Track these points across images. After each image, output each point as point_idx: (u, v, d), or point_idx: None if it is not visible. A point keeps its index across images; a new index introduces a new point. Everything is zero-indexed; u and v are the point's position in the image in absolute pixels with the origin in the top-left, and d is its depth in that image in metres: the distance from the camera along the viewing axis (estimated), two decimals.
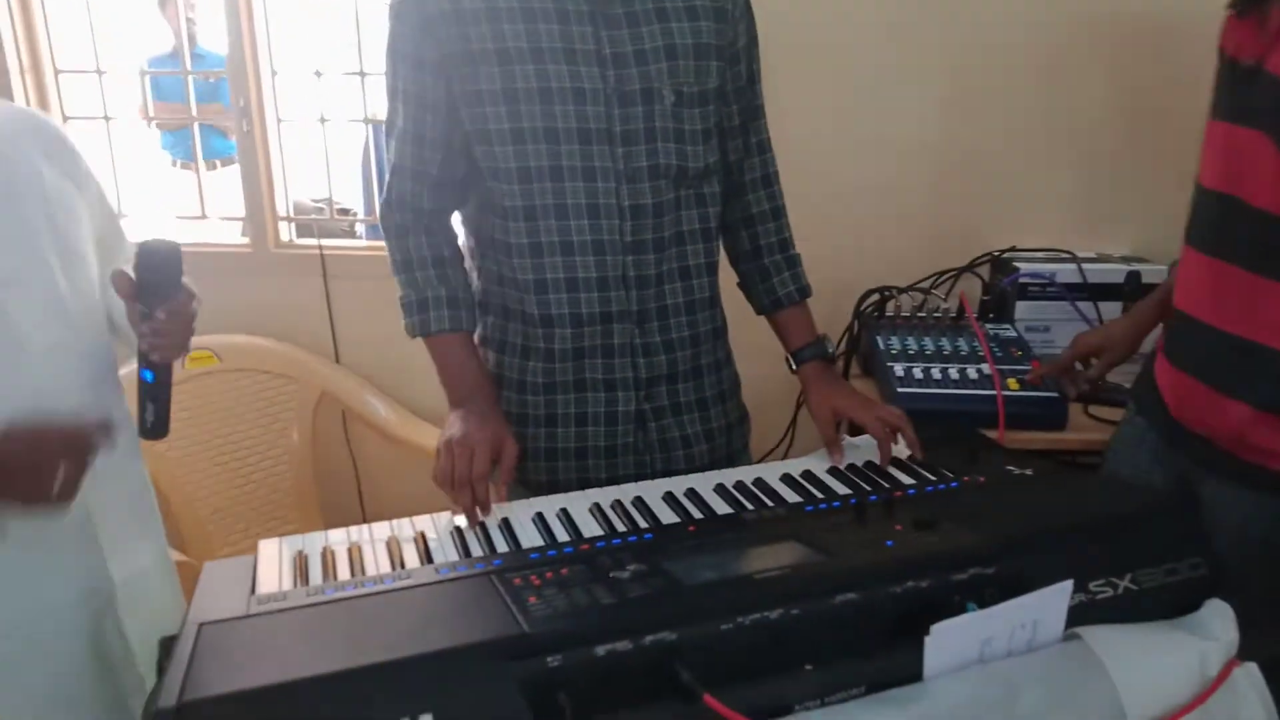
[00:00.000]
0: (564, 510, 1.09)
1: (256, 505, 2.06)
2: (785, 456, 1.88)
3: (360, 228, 2.34)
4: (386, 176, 1.25)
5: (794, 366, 1.36)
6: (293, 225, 2.19)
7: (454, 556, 0.99)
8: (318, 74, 2.12)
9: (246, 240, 2.16)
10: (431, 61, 1.16)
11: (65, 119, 2.13)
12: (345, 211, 2.55)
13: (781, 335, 1.37)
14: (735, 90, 1.28)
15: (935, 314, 1.74)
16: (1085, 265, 1.74)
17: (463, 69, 1.15)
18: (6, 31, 1.99)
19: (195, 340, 1.99)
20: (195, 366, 2.02)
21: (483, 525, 1.07)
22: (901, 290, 1.83)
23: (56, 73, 2.10)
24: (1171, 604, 0.93)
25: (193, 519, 2.01)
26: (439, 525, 1.07)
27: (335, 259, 2.13)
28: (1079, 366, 1.48)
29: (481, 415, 1.21)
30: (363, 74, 2.17)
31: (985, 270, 1.90)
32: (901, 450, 1.24)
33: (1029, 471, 1.14)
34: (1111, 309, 1.71)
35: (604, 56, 1.16)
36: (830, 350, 1.36)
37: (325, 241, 2.15)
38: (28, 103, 2.05)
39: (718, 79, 1.23)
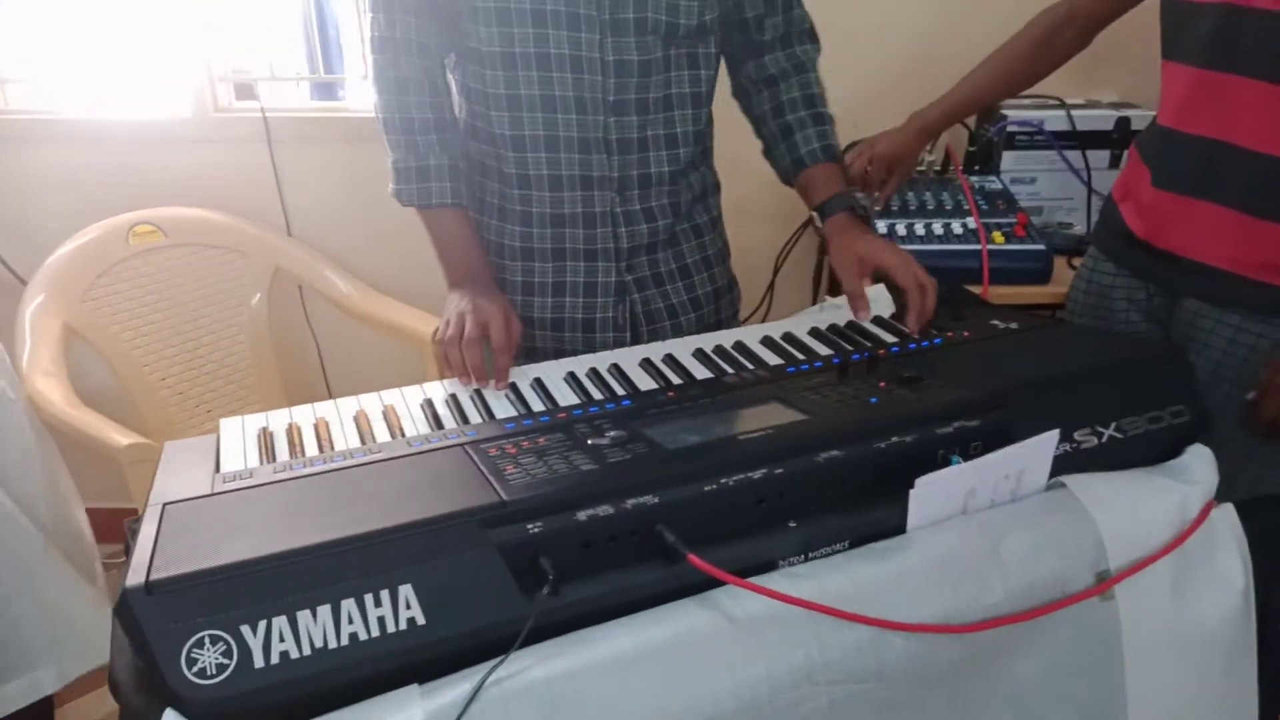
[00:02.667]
0: (538, 380, 1.06)
1: (216, 386, 2.01)
2: (764, 321, 1.86)
3: (304, 87, 2.20)
4: (370, 12, 1.14)
5: (819, 222, 1.25)
6: (232, 88, 2.05)
7: (426, 429, 0.96)
8: None
9: (186, 107, 2.02)
10: None
11: None
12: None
13: (805, 192, 1.26)
14: None
15: (919, 167, 1.68)
16: (1074, 112, 1.67)
17: None
18: None
19: (139, 214, 1.91)
20: (139, 242, 1.92)
21: (455, 397, 1.03)
22: None
23: None
24: (1156, 450, 0.94)
25: (151, 401, 1.95)
26: (409, 398, 1.03)
27: (279, 122, 2.00)
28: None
29: (487, 293, 1.15)
30: None
31: (971, 120, 1.83)
32: (883, 308, 1.21)
33: (1014, 325, 1.13)
34: (1100, 158, 1.67)
35: None
36: (862, 203, 1.27)
37: (267, 105, 2.01)
38: None
39: None
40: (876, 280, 1.21)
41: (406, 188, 1.18)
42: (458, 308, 1.12)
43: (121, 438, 1.52)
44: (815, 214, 1.26)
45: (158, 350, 1.95)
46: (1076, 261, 1.53)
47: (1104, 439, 0.92)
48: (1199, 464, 0.92)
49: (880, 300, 1.19)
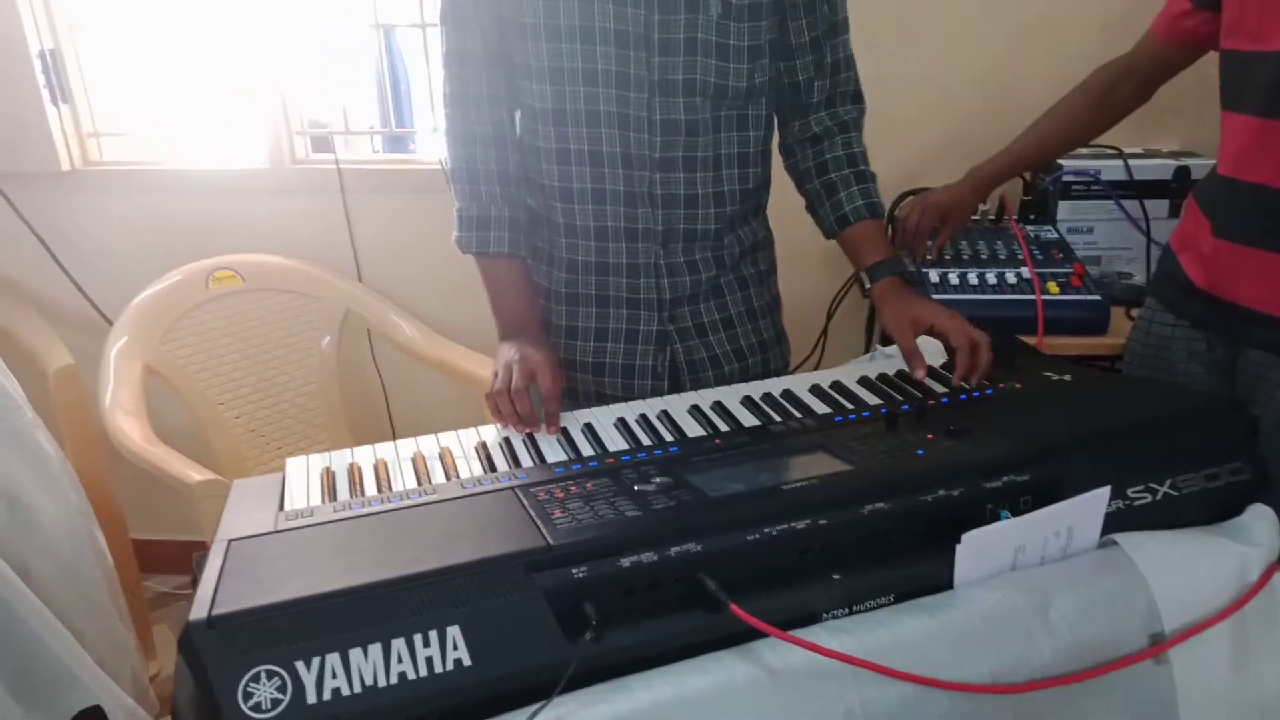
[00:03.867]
0: (589, 425, 1.08)
1: (286, 425, 2.08)
2: (816, 369, 1.86)
3: (377, 141, 2.30)
4: (444, 70, 1.19)
5: (868, 284, 1.25)
6: (308, 141, 2.15)
7: (479, 471, 0.98)
8: None
9: (264, 158, 2.13)
10: None
11: (73, 30, 2.08)
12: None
13: (852, 253, 1.26)
14: (805, 1, 1.19)
15: (974, 216, 1.68)
16: (1132, 161, 1.65)
17: None
18: None
19: (219, 260, 2.01)
20: (219, 286, 2.01)
21: (508, 440, 1.06)
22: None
23: None
24: (1212, 509, 0.91)
25: (225, 439, 2.03)
26: (464, 441, 1.06)
27: (352, 174, 2.09)
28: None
29: (534, 343, 1.18)
30: None
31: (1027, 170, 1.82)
32: (934, 358, 1.20)
33: (1067, 377, 1.11)
34: (1159, 207, 1.64)
35: None
36: (910, 268, 1.29)
37: (342, 157, 2.11)
38: (33, 16, 2.00)
39: None
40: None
41: (468, 235, 1.22)
42: (505, 359, 1.15)
43: (195, 474, 1.59)
44: (864, 275, 1.26)
45: (232, 389, 2.03)
46: (1135, 312, 1.51)
47: (1158, 496, 0.90)
48: (1260, 525, 0.89)
49: (929, 348, 1.19)
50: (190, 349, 1.99)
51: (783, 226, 1.36)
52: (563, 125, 1.16)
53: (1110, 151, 1.70)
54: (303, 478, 0.99)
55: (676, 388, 1.27)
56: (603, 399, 1.20)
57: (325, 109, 2.25)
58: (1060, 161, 1.69)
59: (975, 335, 1.13)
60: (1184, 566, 0.84)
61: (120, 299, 2.00)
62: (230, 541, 0.83)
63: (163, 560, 1.80)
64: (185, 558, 1.27)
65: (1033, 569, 0.84)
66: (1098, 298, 1.45)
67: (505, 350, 1.18)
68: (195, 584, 0.80)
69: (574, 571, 0.76)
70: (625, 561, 0.77)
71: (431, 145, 2.23)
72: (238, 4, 2.00)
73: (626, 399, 1.18)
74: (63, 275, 2.16)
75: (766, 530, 0.81)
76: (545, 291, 1.27)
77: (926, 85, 1.88)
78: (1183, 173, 1.64)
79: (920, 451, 0.93)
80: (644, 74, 1.13)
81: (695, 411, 1.11)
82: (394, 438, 1.06)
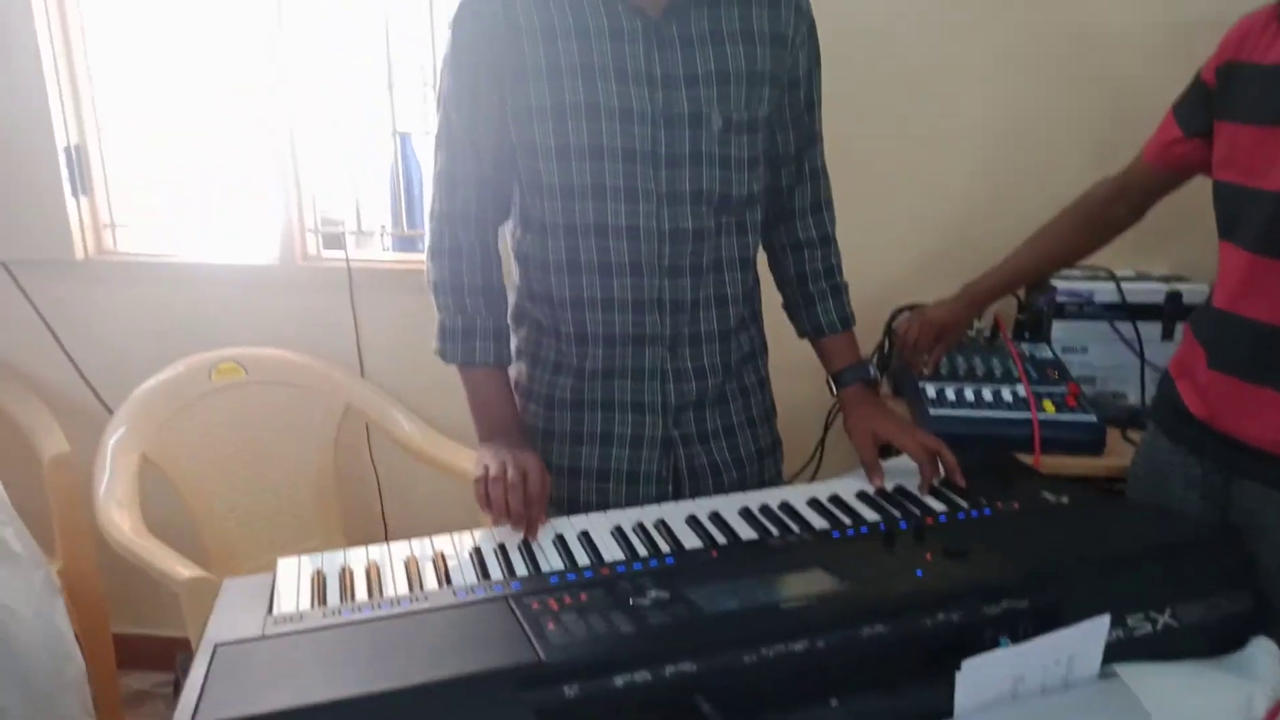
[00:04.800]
0: (585, 533, 1.07)
1: (279, 519, 2.06)
2: (814, 477, 1.85)
3: (388, 240, 2.35)
4: (434, 189, 1.24)
5: (834, 389, 1.35)
6: (319, 238, 2.20)
7: (472, 579, 0.97)
8: (349, 91, 2.13)
9: (275, 253, 2.17)
10: (486, 73, 1.16)
11: (100, 129, 2.16)
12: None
13: (823, 358, 1.36)
14: (793, 116, 1.26)
15: (969, 333, 1.70)
16: (1124, 284, 1.69)
17: (515, 83, 1.15)
18: (44, 40, 2.02)
19: (223, 353, 2.03)
20: (222, 379, 2.02)
21: (503, 546, 1.05)
22: None
23: (92, 83, 2.13)
24: (1214, 640, 0.90)
25: (216, 531, 2.01)
26: (459, 545, 1.06)
27: (361, 272, 2.13)
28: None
29: (521, 446, 1.21)
30: (391, 88, 2.18)
31: (1021, 288, 1.85)
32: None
33: (1065, 499, 1.11)
34: (1152, 330, 1.67)
35: (654, 77, 1.15)
36: (873, 374, 1.34)
37: (352, 255, 2.15)
38: (63, 113, 2.08)
39: (770, 106, 1.21)
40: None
41: (452, 346, 1.25)
42: (496, 455, 1.16)
43: (184, 570, 1.57)
44: (830, 381, 1.35)
45: (227, 482, 2.02)
46: (1132, 433, 1.52)
47: (1159, 626, 0.89)
48: (1265, 659, 0.88)
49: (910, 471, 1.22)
50: (189, 440, 1.98)
51: (782, 334, 1.38)
52: (573, 238, 1.19)
53: (1102, 273, 1.74)
54: (293, 580, 0.98)
55: (678, 494, 1.27)
56: (605, 507, 1.20)
57: (338, 206, 2.31)
58: (1054, 282, 1.73)
59: (930, 444, 1.21)
60: (1188, 701, 0.83)
61: (124, 387, 2.01)
62: (217, 646, 0.82)
63: (145, 655, 1.75)
64: (168, 654, 1.24)
65: (1034, 699, 0.83)
66: (1093, 418, 1.46)
67: (491, 450, 1.20)
68: (177, 685, 0.79)
69: (565, 690, 0.74)
70: (619, 681, 0.76)
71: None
72: (261, 103, 2.07)
73: (630, 505, 1.17)
74: (68, 362, 2.18)
75: (763, 651, 0.80)
76: (548, 400, 1.28)
77: (919, 200, 1.93)
78: (1174, 297, 1.67)
79: (919, 572, 0.93)
80: (651, 187, 1.17)
81: (692, 522, 1.10)
82: (387, 534, 1.06)
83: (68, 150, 2.09)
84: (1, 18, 1.98)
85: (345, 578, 0.98)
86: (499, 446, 1.19)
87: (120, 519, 1.70)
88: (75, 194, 2.12)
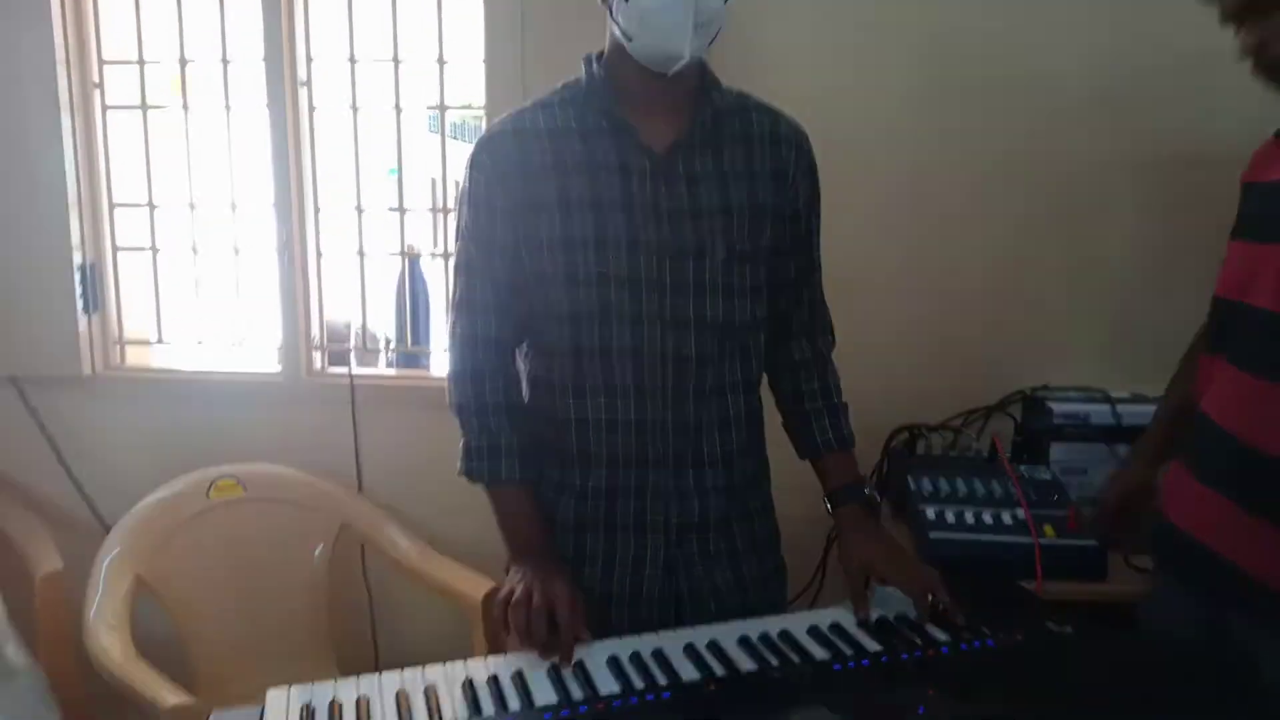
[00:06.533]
0: (580, 663, 1.05)
1: (271, 639, 2.01)
2: (815, 599, 1.82)
3: (392, 356, 2.39)
4: (453, 314, 1.28)
5: (830, 509, 1.34)
6: (325, 354, 2.23)
7: (464, 714, 0.95)
8: (359, 210, 2.20)
9: (279, 368, 2.20)
10: (502, 208, 1.21)
11: (116, 249, 2.22)
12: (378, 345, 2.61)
13: (820, 477, 1.36)
14: (793, 245, 1.30)
15: (967, 453, 1.71)
16: (1120, 406, 1.70)
17: (528, 216, 1.20)
18: (70, 166, 2.10)
19: (220, 469, 2.03)
20: (219, 496, 2.02)
21: (495, 678, 1.03)
22: (932, 429, 1.81)
23: (112, 207, 2.20)
24: None
25: (206, 653, 1.96)
26: (451, 676, 1.04)
27: (364, 388, 2.15)
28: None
29: (553, 569, 1.20)
30: (402, 210, 2.25)
31: (1017, 408, 1.87)
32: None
33: (1069, 629, 1.10)
34: None
35: (660, 211, 1.19)
36: (869, 495, 1.34)
37: (356, 370, 2.18)
38: (81, 234, 2.14)
39: (772, 238, 1.25)
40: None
41: (478, 465, 1.25)
42: (525, 578, 1.15)
43: (169, 697, 1.53)
44: (826, 501, 1.34)
45: (219, 601, 1.99)
46: (1135, 559, 1.50)
47: None
48: None
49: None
50: (183, 560, 1.96)
51: (783, 454, 1.38)
52: (579, 361, 1.22)
53: (1098, 395, 1.76)
54: (282, 713, 0.96)
55: (680, 618, 1.25)
56: (606, 627, 1.18)
57: (344, 319, 2.35)
58: (1050, 404, 1.74)
59: (925, 582, 1.19)
60: None
61: (122, 503, 2.00)
62: None
63: None
64: None
65: None
66: (1093, 544, 1.45)
67: (520, 571, 1.18)
68: None
69: None
70: None
71: (443, 362, 2.30)
72: (270, 223, 2.13)
73: (633, 631, 1.16)
74: (67, 478, 2.18)
75: None
76: (551, 520, 1.28)
77: (921, 321, 1.96)
78: None
79: (921, 709, 0.91)
80: (657, 313, 1.20)
81: (690, 652, 1.08)
82: (377, 654, 1.04)
83: (82, 268, 2.14)
84: (33, 143, 2.06)
85: (335, 711, 0.96)
86: (528, 568, 1.18)
87: (109, 642, 1.67)
88: (87, 310, 2.16)
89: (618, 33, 1.17)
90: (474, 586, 1.87)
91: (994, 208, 1.93)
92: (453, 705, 0.97)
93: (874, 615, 1.17)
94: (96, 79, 2.14)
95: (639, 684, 1.01)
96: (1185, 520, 1.21)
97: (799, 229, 1.30)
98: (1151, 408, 1.71)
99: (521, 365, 1.32)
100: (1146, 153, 1.87)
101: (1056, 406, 1.73)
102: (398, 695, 0.99)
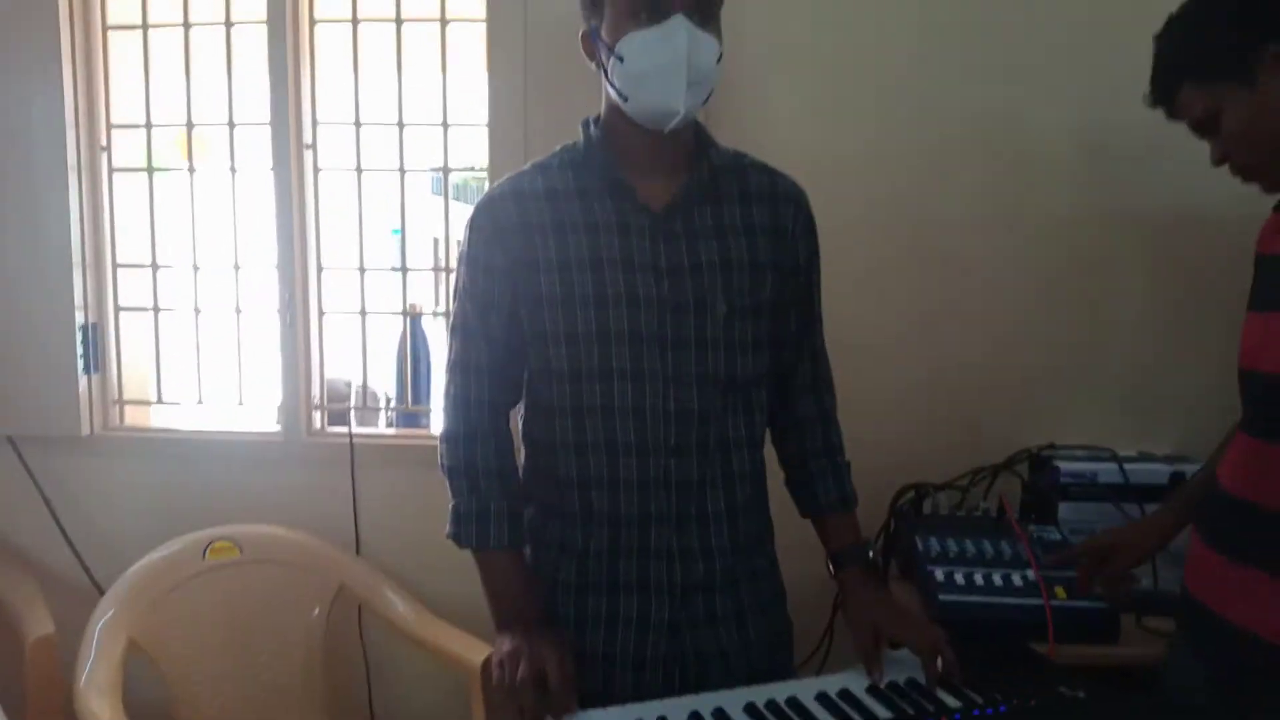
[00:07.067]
0: None
1: (264, 704, 1.97)
2: (823, 663, 1.78)
3: (392, 415, 2.38)
4: (447, 376, 1.27)
5: (833, 571, 1.32)
6: (325, 414, 2.22)
7: None
8: (361, 270, 2.22)
9: (279, 428, 2.19)
10: (500, 268, 1.22)
11: (118, 309, 2.23)
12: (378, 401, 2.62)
13: (823, 537, 1.35)
14: (794, 300, 1.30)
15: (975, 513, 1.69)
16: (1127, 465, 1.69)
17: (527, 275, 1.20)
18: (75, 227, 2.12)
19: (217, 530, 2.01)
20: (215, 558, 1.99)
21: None
22: (938, 488, 1.79)
23: (115, 267, 2.22)
24: None
25: (198, 717, 1.92)
26: None
27: (364, 447, 2.14)
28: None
29: (540, 633, 1.17)
30: (404, 270, 2.27)
31: (1024, 467, 1.85)
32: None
33: (1081, 694, 1.07)
34: None
35: (660, 268, 1.20)
36: (872, 557, 1.32)
37: (356, 429, 2.17)
38: (84, 294, 2.15)
39: (772, 292, 1.25)
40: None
41: (466, 530, 1.24)
42: (512, 648, 1.13)
43: None
44: (829, 562, 1.32)
45: (213, 664, 1.95)
46: (1148, 620, 1.47)
47: None
48: None
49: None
50: (177, 623, 1.93)
51: (787, 512, 1.37)
52: (580, 419, 1.21)
53: (1105, 454, 1.74)
54: None
55: (684, 683, 1.22)
56: (610, 693, 1.15)
57: (344, 378, 2.35)
58: (1056, 463, 1.73)
59: (931, 640, 1.17)
60: None
61: (117, 564, 1.96)
62: None
63: None
64: None
65: None
66: (1105, 605, 1.42)
67: (507, 640, 1.16)
68: None
69: None
70: None
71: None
72: (273, 283, 2.15)
73: (636, 695, 1.12)
74: (62, 539, 2.15)
75: None
76: (552, 582, 1.26)
77: (925, 378, 1.96)
78: (1178, 477, 1.67)
79: None
80: (658, 369, 1.19)
81: None
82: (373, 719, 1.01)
83: (84, 329, 2.15)
84: (41, 204, 2.08)
85: None
86: (514, 636, 1.16)
87: (99, 708, 1.63)
88: (88, 370, 2.16)
89: (614, 94, 1.19)
90: (473, 651, 1.83)
91: (999, 266, 1.93)
92: None
93: (885, 679, 1.15)
94: (104, 142, 2.17)
95: None
96: (1193, 582, 1.21)
97: (799, 283, 1.30)
98: (1159, 466, 1.71)
99: (519, 426, 1.31)
100: (1154, 211, 1.88)
101: (1063, 465, 1.72)
102: None
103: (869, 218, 1.91)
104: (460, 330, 1.26)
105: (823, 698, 1.11)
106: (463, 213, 1.31)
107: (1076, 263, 1.92)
